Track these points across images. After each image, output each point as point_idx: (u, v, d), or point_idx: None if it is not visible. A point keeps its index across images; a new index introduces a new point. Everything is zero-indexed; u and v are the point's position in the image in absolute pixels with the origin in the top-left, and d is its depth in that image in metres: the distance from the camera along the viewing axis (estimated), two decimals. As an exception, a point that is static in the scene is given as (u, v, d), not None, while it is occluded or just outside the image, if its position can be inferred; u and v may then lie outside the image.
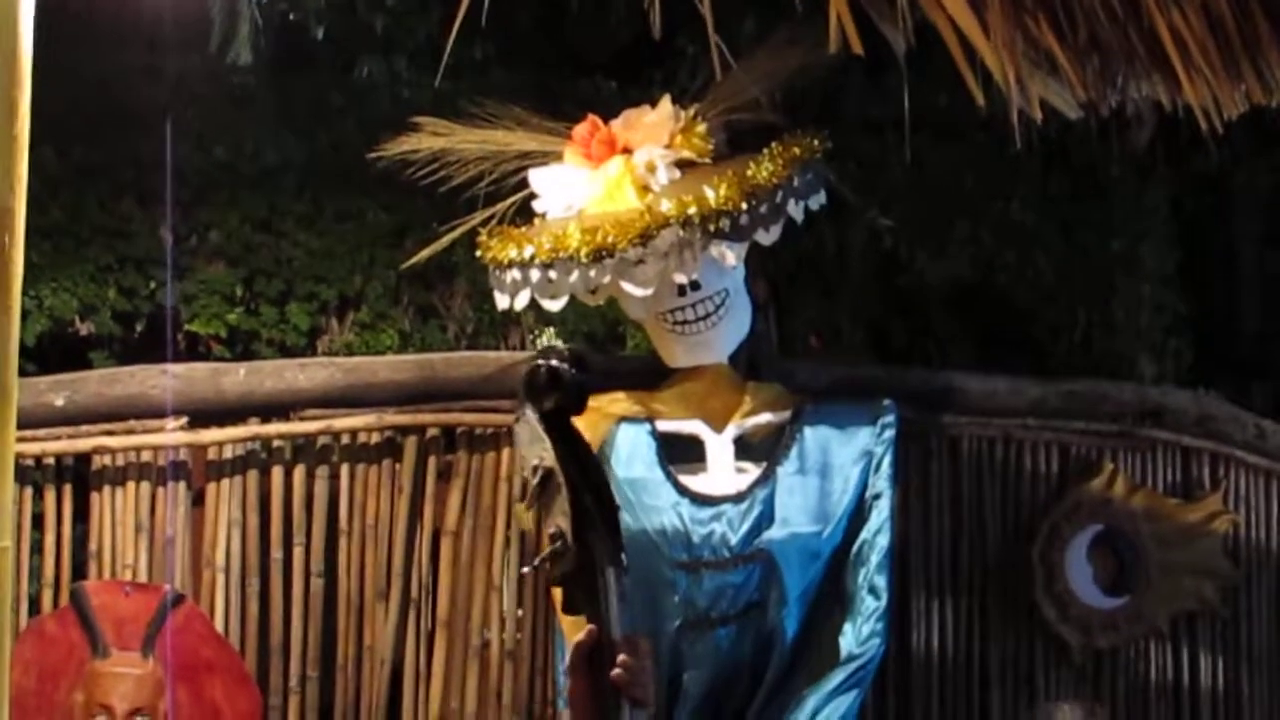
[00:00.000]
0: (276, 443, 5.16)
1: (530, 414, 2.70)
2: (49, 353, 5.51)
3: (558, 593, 2.69)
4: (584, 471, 2.68)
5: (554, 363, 2.68)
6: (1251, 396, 6.59)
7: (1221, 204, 7.52)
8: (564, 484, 2.64)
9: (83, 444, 5.08)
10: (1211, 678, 5.74)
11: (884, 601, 4.79)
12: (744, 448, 4.88)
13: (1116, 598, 5.58)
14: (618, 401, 4.86)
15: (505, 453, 5.13)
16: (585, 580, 2.61)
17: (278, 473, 5.16)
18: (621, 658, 2.56)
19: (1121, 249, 6.79)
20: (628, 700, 2.59)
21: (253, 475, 5.14)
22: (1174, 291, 7.05)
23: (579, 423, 2.73)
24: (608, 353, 5.70)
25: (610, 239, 4.59)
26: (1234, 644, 5.79)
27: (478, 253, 4.85)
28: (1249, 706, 5.79)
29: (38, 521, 5.10)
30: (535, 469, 2.70)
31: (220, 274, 5.83)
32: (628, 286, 4.66)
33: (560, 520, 2.64)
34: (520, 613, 5.14)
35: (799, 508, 4.80)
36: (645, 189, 4.77)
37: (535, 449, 2.70)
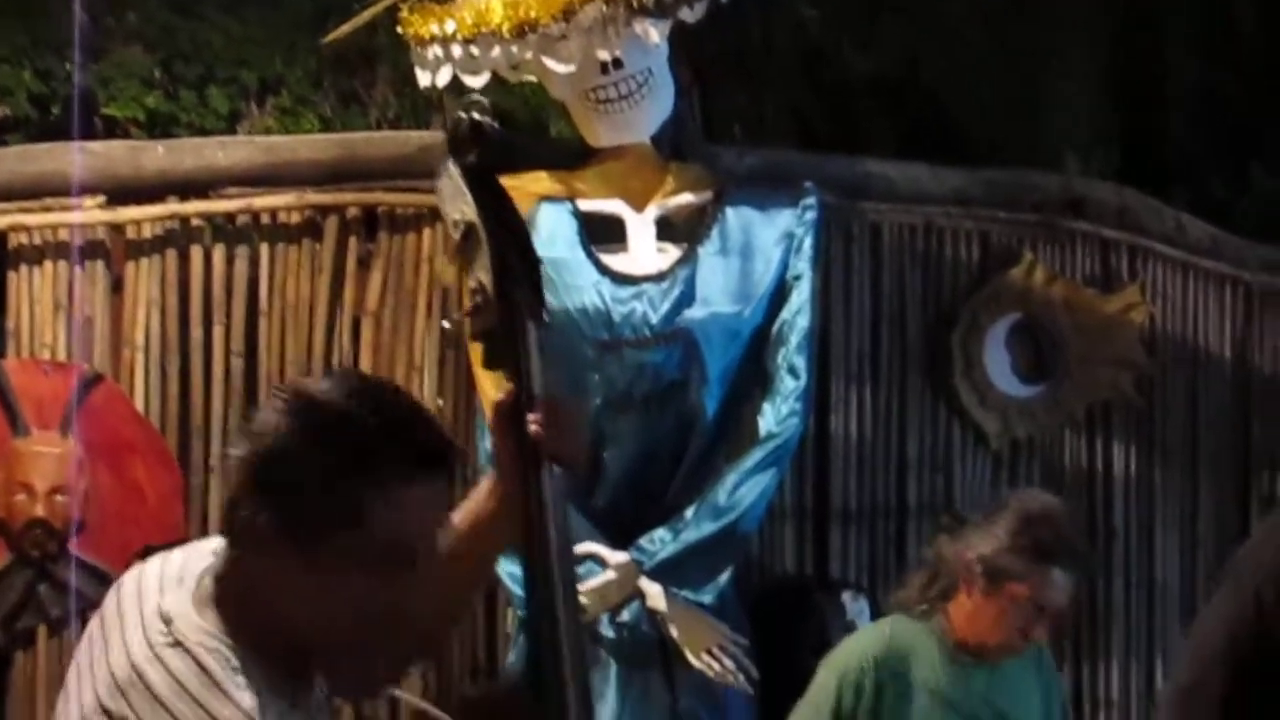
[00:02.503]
0: (195, 222, 5.12)
1: (453, 168, 2.68)
2: (-37, 135, 5.45)
3: (478, 348, 2.68)
4: (507, 226, 2.66)
5: (477, 116, 2.65)
6: (1172, 200, 6.60)
7: (1154, 11, 7.49)
8: (486, 239, 2.62)
9: (-1, 222, 5.04)
10: (1125, 466, 5.82)
11: (803, 382, 4.82)
12: (665, 228, 4.88)
13: (1034, 386, 5.64)
14: (539, 180, 4.84)
15: (426, 234, 5.12)
16: (506, 335, 2.61)
17: (197, 252, 5.13)
18: (535, 416, 2.57)
19: (1051, 48, 6.77)
20: (548, 456, 2.59)
21: (172, 255, 5.11)
22: (1102, 94, 7.04)
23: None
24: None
25: (533, 14, 4.56)
26: (1148, 434, 5.86)
27: (399, 29, 4.80)
28: (1161, 495, 5.88)
29: (-46, 300, 5.07)
30: (457, 224, 2.69)
31: (138, 57, 5.75)
32: (550, 63, 4.63)
33: (482, 275, 2.63)
34: (440, 403, 5.14)
35: (720, 287, 4.82)
36: (569, -36, 4.73)
37: (458, 204, 2.69)
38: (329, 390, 2.23)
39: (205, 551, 2.25)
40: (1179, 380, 5.94)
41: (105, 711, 2.10)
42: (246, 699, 2.08)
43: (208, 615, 2.15)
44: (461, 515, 2.60)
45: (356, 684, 2.45)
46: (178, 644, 2.12)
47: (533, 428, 2.55)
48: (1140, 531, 5.85)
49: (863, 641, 4.33)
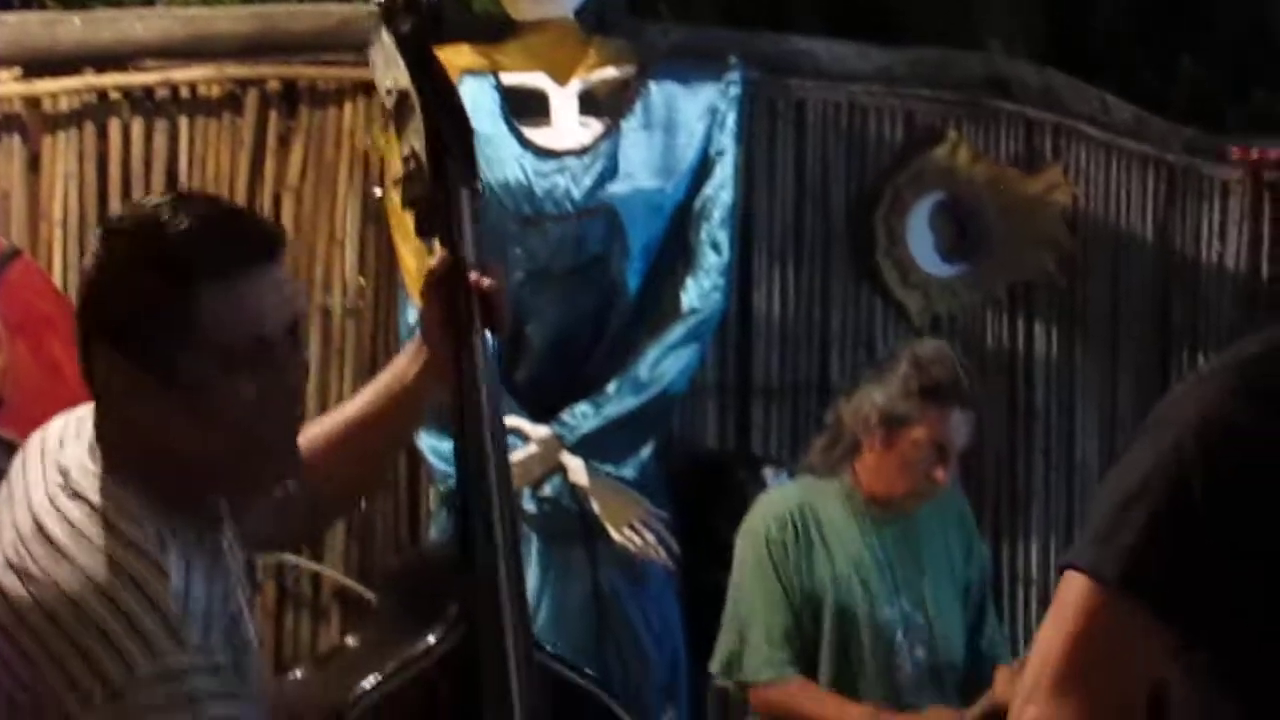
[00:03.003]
0: (113, 95, 5.06)
1: (386, 37, 2.68)
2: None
3: (404, 219, 2.69)
4: (439, 94, 2.67)
5: (411, -14, 2.65)
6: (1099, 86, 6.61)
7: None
8: (419, 107, 2.63)
9: (-88, 93, 4.96)
10: (1046, 346, 5.85)
11: (725, 257, 4.84)
12: (588, 102, 4.85)
13: (956, 265, 5.66)
14: (461, 53, 4.79)
15: (348, 108, 5.08)
16: (439, 202, 2.61)
17: (115, 126, 5.06)
18: (479, 278, 2.57)
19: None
20: (482, 320, 2.60)
21: (89, 128, 5.04)
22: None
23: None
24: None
25: (455, -117, 4.51)
26: (1069, 313, 5.89)
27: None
28: (1082, 374, 5.92)
29: None
30: (390, 92, 2.69)
31: (52, -73, 5.66)
32: (471, -66, 4.59)
33: (415, 142, 2.63)
34: (363, 282, 5.12)
35: (643, 162, 4.81)
36: None
37: (390, 73, 2.69)
38: (135, 210, 2.25)
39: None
40: (1101, 260, 5.95)
41: (9, 565, 2.10)
42: (146, 542, 2.08)
43: (100, 463, 2.15)
44: (382, 382, 2.60)
45: (275, 519, 2.45)
46: (76, 494, 2.12)
47: (486, 282, 2.55)
48: (1060, 410, 5.89)
49: (776, 500, 4.34)
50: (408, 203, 2.65)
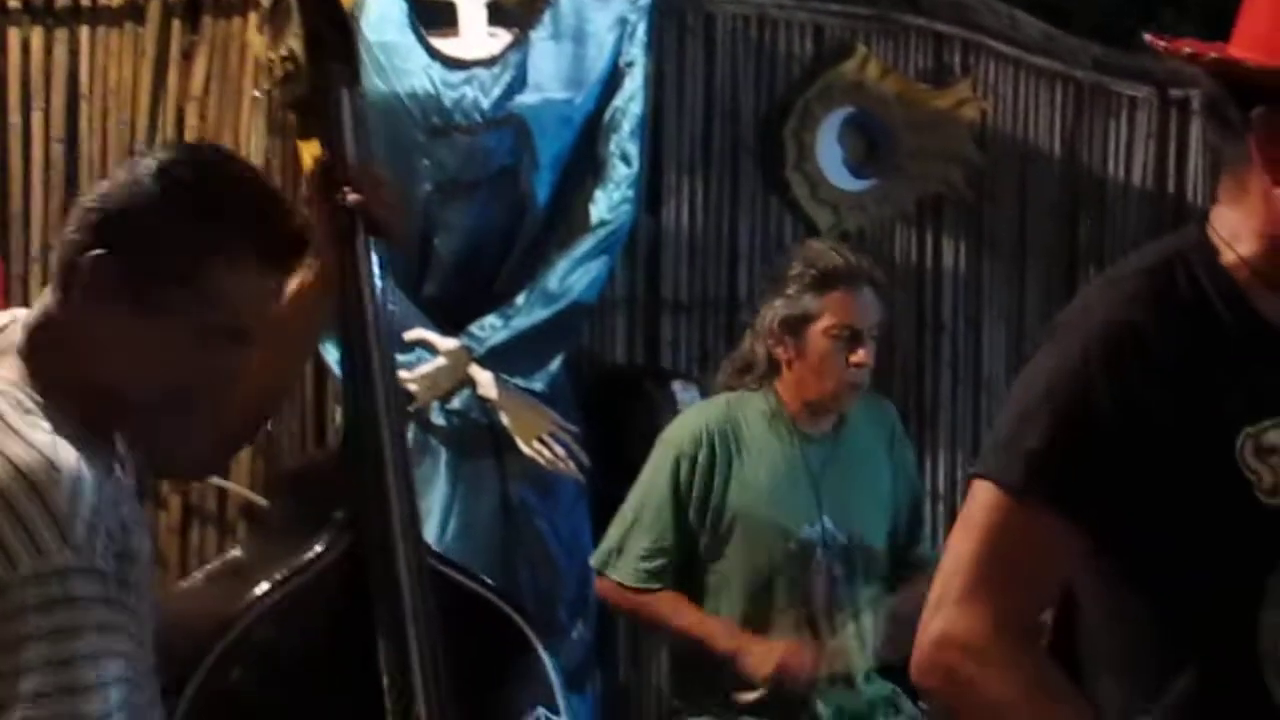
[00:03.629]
0: (12, 4, 4.97)
1: (264, -64, 2.63)
2: None
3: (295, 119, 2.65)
4: (316, -5, 2.62)
5: (284, -118, 2.59)
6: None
7: None
8: (296, 6, 2.58)
9: None
10: (955, 260, 5.87)
11: (635, 169, 4.81)
12: (497, 12, 4.81)
13: (865, 179, 5.66)
14: (368, -37, 4.75)
15: (252, 18, 4.98)
16: (319, 103, 2.57)
17: (15, 37, 4.99)
18: (351, 185, 2.54)
19: None
20: (367, 224, 2.57)
21: (-13, 37, 4.98)
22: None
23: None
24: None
25: None
26: (977, 228, 5.91)
27: None
28: (990, 289, 5.94)
29: None
30: (268, -8, 2.64)
31: None
32: None
33: (293, 43, 2.60)
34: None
35: (552, 73, 4.77)
36: None
37: (268, -28, 2.64)
38: (202, 158, 2.25)
39: (6, 315, 2.23)
40: (1009, 175, 5.97)
41: None
42: (41, 436, 2.06)
43: (7, 363, 2.15)
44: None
45: (174, 455, 2.43)
46: None
47: (351, 196, 2.52)
48: (968, 325, 5.91)
49: (697, 415, 4.34)
50: (287, 104, 2.63)
